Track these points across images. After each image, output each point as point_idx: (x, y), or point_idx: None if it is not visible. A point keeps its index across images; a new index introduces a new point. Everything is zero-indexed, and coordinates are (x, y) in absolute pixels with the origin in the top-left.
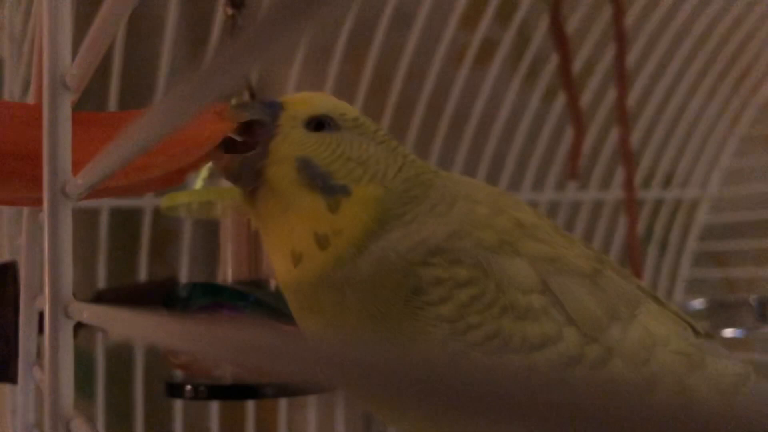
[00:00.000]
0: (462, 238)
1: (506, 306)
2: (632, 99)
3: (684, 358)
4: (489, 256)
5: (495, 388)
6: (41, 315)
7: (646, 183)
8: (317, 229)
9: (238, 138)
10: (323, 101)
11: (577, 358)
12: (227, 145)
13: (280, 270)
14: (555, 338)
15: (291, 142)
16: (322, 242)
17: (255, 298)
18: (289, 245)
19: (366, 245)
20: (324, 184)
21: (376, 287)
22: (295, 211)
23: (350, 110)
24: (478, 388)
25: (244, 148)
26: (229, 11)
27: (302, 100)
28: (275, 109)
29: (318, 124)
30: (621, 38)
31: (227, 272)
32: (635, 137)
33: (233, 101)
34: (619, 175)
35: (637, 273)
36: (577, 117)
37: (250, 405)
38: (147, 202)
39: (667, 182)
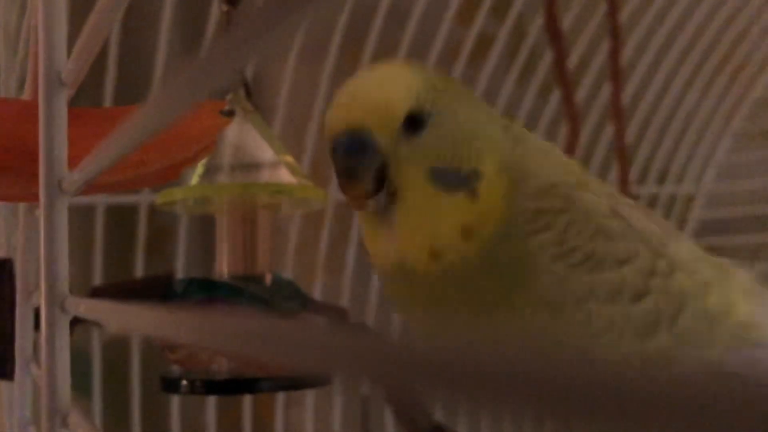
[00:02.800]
0: (553, 179)
1: (596, 230)
2: (627, 95)
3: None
4: (573, 192)
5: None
6: (37, 311)
7: (641, 179)
8: (464, 222)
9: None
10: (394, 96)
11: (652, 270)
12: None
13: (406, 268)
14: (634, 254)
15: (410, 162)
16: (467, 234)
17: (250, 294)
18: (426, 244)
19: (513, 211)
20: (459, 181)
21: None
22: (439, 213)
23: (418, 81)
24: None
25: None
26: (224, 7)
27: (377, 111)
28: (367, 142)
29: (414, 124)
30: (616, 34)
31: (223, 268)
32: (630, 133)
33: (229, 97)
34: (614, 170)
35: None
36: (572, 113)
37: (247, 400)
38: (143, 197)
39: (662, 178)
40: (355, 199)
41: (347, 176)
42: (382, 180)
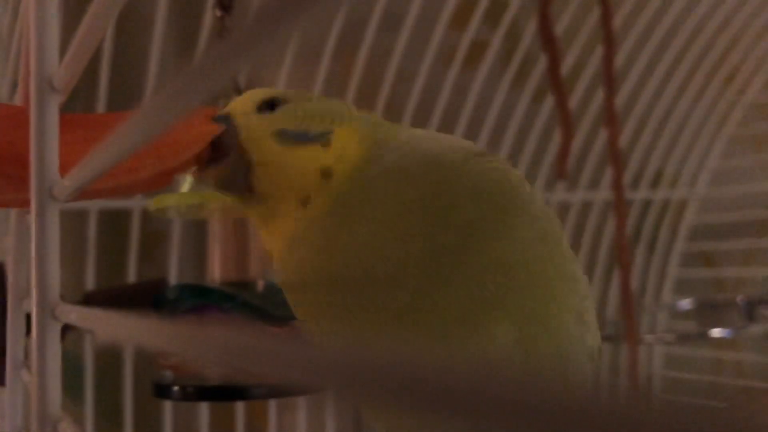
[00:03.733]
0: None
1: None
2: (620, 100)
3: None
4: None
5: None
6: (29, 317)
7: (635, 183)
8: (320, 165)
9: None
10: (261, 90)
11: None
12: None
13: (285, 229)
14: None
15: (257, 128)
16: (326, 174)
17: (242, 300)
18: (292, 197)
19: (371, 159)
20: (307, 137)
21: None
22: (293, 167)
23: (290, 92)
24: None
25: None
26: (218, 13)
27: (242, 99)
28: (227, 118)
29: (269, 105)
30: (609, 39)
31: (215, 274)
32: (624, 138)
33: (222, 103)
34: (608, 175)
35: (626, 273)
36: (565, 118)
37: (240, 407)
38: (136, 203)
39: (656, 183)
40: (214, 174)
41: (210, 158)
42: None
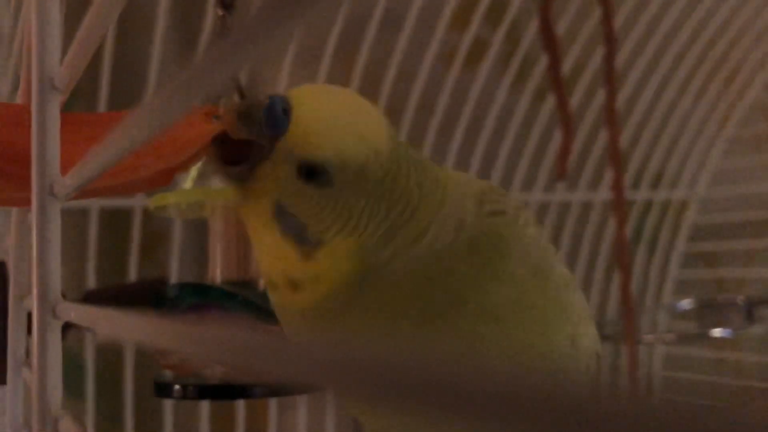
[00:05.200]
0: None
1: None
2: (621, 100)
3: None
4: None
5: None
6: (30, 315)
7: (635, 184)
8: (290, 274)
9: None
10: (330, 142)
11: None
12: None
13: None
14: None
15: (276, 180)
16: (294, 286)
17: (243, 299)
18: (265, 269)
19: (355, 283)
20: (297, 235)
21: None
22: (270, 248)
23: (359, 157)
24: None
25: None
26: (220, 12)
27: (307, 134)
28: (278, 131)
29: (310, 172)
30: (610, 40)
31: (216, 272)
32: (624, 138)
33: (223, 102)
34: (608, 175)
35: (626, 273)
36: (566, 118)
37: (240, 405)
38: (137, 202)
39: (656, 183)
40: (223, 150)
41: (243, 118)
42: (255, 160)
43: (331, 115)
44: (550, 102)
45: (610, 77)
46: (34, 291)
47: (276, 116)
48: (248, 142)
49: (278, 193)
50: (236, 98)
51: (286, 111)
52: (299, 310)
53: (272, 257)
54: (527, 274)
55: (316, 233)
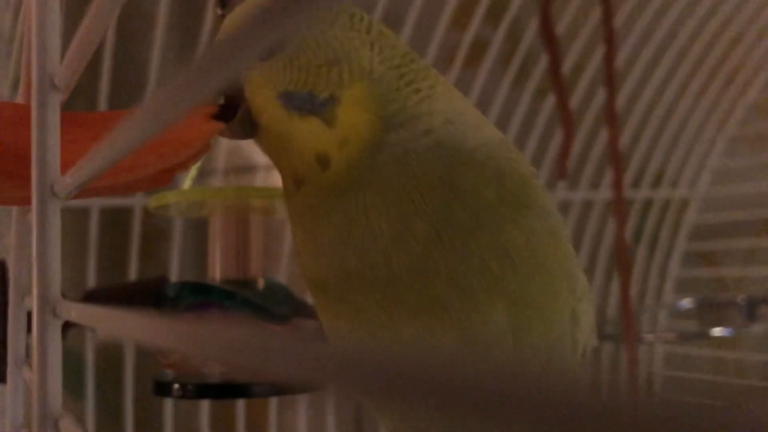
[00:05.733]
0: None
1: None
2: (621, 99)
3: None
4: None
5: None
6: (30, 314)
7: (636, 183)
8: (317, 150)
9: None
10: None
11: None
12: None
13: (285, 195)
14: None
15: (261, 85)
16: (323, 162)
17: (243, 298)
18: (291, 171)
19: (380, 144)
20: (312, 106)
21: (423, 178)
22: (296, 140)
23: None
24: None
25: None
26: (219, 12)
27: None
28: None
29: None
30: (610, 39)
31: (216, 271)
32: (625, 137)
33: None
34: (609, 174)
35: (626, 272)
36: (566, 117)
37: (241, 404)
38: (137, 200)
39: (657, 182)
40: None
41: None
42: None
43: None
44: (550, 101)
45: (610, 77)
46: (34, 290)
47: None
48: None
49: (271, 88)
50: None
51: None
52: (331, 189)
53: (297, 148)
54: (543, 232)
55: (325, 92)
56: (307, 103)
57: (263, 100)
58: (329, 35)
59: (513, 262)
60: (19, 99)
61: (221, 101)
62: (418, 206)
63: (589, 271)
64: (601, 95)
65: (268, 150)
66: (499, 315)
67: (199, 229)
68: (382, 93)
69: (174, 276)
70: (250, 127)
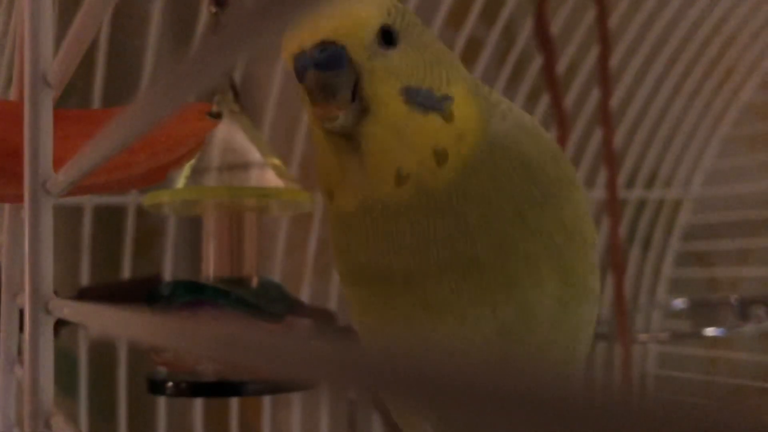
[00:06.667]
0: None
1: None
2: (616, 99)
3: None
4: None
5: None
6: (23, 312)
7: (630, 183)
8: (437, 145)
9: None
10: (366, 11)
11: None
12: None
13: (375, 193)
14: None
15: (384, 78)
16: (441, 157)
17: (237, 296)
18: (394, 169)
19: (486, 136)
20: (432, 103)
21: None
22: (416, 135)
23: (385, 6)
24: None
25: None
26: (213, 9)
27: (349, 24)
28: (338, 54)
29: (388, 38)
30: (605, 39)
31: (209, 270)
32: (619, 137)
33: (216, 99)
34: (603, 174)
35: (619, 272)
36: (561, 117)
37: (234, 403)
38: (131, 198)
39: (651, 182)
40: (326, 115)
41: (324, 92)
42: (353, 96)
43: (340, 4)
44: (544, 101)
45: (604, 76)
46: (27, 287)
47: (321, 55)
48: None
49: (394, 80)
50: (230, 94)
51: (324, 44)
52: (445, 185)
53: (419, 144)
54: (582, 213)
55: (440, 89)
56: (429, 99)
57: (386, 92)
58: (426, 38)
59: (570, 235)
60: (12, 96)
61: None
62: (510, 189)
63: None
64: (595, 95)
65: (370, 146)
66: (551, 288)
67: (192, 228)
68: (472, 88)
69: (168, 274)
70: (356, 118)
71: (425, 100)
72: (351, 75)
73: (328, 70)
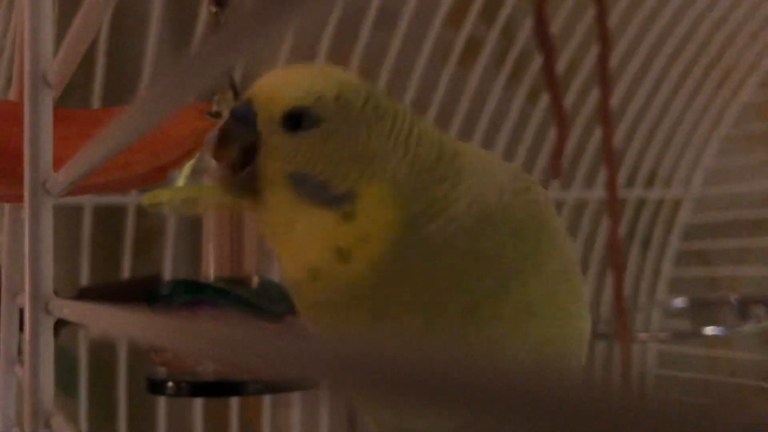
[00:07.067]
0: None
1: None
2: (615, 99)
3: None
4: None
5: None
6: (23, 311)
7: (630, 182)
8: (335, 243)
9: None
10: (294, 88)
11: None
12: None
13: (296, 285)
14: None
15: (275, 157)
16: (343, 256)
17: (236, 296)
18: (303, 261)
19: (405, 241)
20: (325, 198)
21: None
22: (305, 229)
23: (330, 87)
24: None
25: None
26: (213, 9)
27: (272, 94)
28: (248, 119)
29: (294, 122)
30: (604, 39)
31: (209, 270)
32: (618, 137)
33: (216, 99)
34: (603, 174)
35: (619, 271)
36: (560, 116)
37: (234, 402)
38: (131, 198)
39: (650, 182)
40: (220, 170)
41: (219, 136)
42: (247, 162)
43: (289, 73)
44: (544, 100)
45: (604, 76)
46: (27, 287)
47: (240, 112)
48: (241, 153)
49: (285, 162)
50: (230, 94)
51: (247, 102)
52: (351, 284)
53: (311, 239)
54: (560, 270)
55: (342, 186)
56: (320, 193)
57: (274, 171)
58: (363, 134)
59: (536, 310)
60: (12, 96)
61: (237, 148)
62: (450, 291)
63: (583, 270)
64: (595, 94)
65: (270, 230)
66: (523, 356)
67: (192, 227)
68: (406, 195)
69: (168, 274)
70: (251, 191)
71: (315, 193)
72: (250, 138)
73: (234, 121)
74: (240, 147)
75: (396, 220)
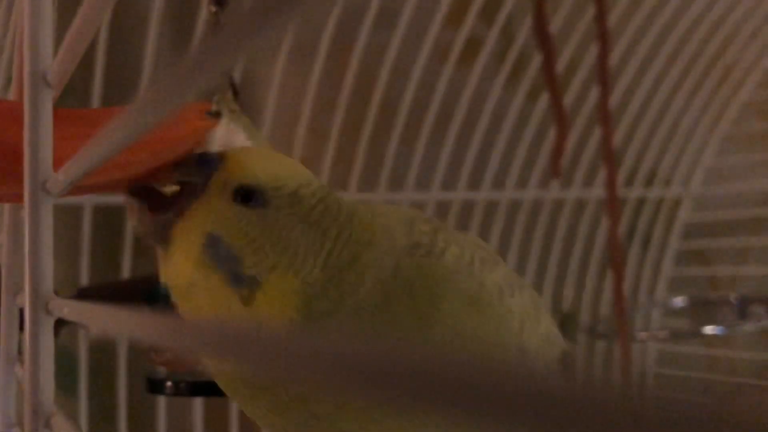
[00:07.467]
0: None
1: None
2: (615, 98)
3: None
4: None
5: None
6: (23, 311)
7: (629, 182)
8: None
9: (169, 189)
10: (264, 168)
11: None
12: (149, 194)
13: None
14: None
15: (208, 212)
16: None
17: None
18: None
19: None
20: (231, 272)
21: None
22: (204, 293)
23: (292, 182)
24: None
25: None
26: (213, 9)
27: (240, 163)
28: (211, 167)
29: (245, 195)
30: (604, 38)
31: None
32: (618, 136)
33: (216, 98)
34: (602, 173)
35: (619, 271)
36: (560, 116)
37: (234, 403)
38: None
39: (650, 181)
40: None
41: (175, 168)
42: (181, 208)
43: (263, 153)
44: (544, 100)
45: (604, 75)
46: (27, 287)
47: (209, 157)
48: (175, 191)
49: (211, 222)
50: (230, 94)
51: (219, 155)
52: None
53: (206, 304)
54: (463, 307)
55: (252, 268)
56: (228, 264)
57: (197, 225)
58: (297, 231)
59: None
60: (12, 96)
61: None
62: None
63: (582, 269)
64: (594, 94)
65: (170, 282)
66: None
67: None
68: (311, 294)
69: None
70: (161, 237)
71: (223, 262)
72: (197, 181)
73: (198, 159)
74: (182, 183)
75: (292, 317)
